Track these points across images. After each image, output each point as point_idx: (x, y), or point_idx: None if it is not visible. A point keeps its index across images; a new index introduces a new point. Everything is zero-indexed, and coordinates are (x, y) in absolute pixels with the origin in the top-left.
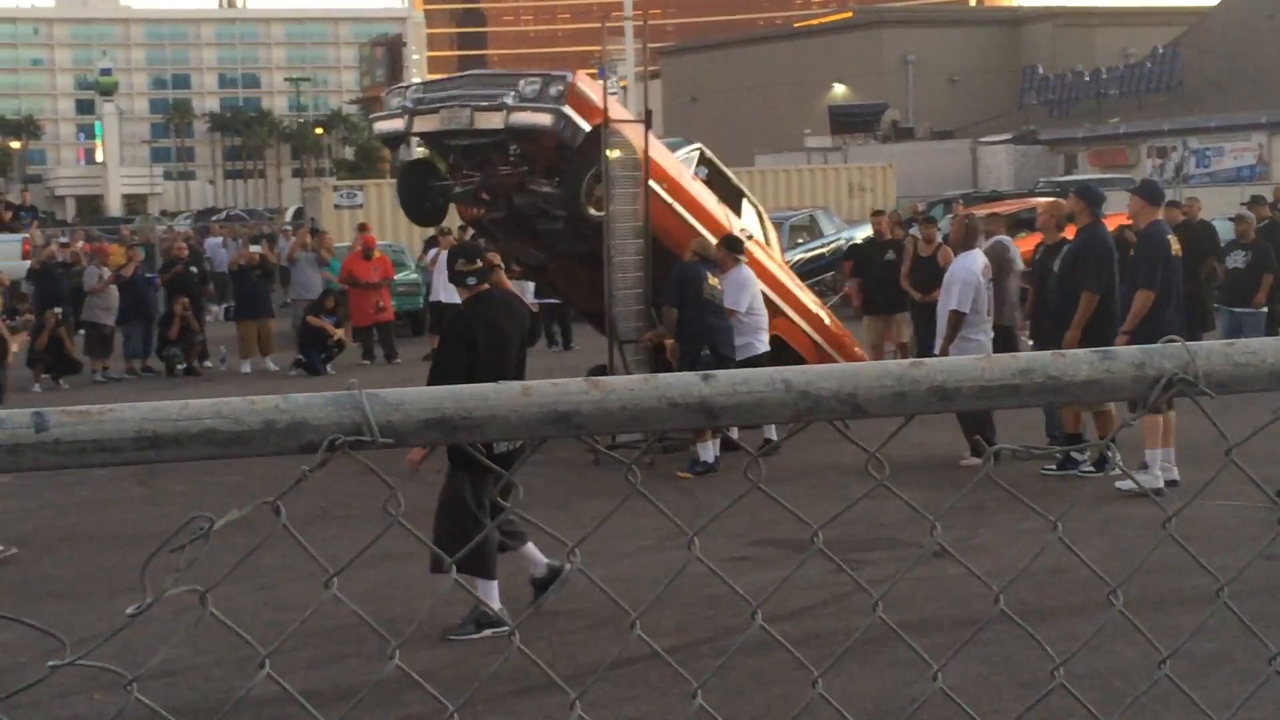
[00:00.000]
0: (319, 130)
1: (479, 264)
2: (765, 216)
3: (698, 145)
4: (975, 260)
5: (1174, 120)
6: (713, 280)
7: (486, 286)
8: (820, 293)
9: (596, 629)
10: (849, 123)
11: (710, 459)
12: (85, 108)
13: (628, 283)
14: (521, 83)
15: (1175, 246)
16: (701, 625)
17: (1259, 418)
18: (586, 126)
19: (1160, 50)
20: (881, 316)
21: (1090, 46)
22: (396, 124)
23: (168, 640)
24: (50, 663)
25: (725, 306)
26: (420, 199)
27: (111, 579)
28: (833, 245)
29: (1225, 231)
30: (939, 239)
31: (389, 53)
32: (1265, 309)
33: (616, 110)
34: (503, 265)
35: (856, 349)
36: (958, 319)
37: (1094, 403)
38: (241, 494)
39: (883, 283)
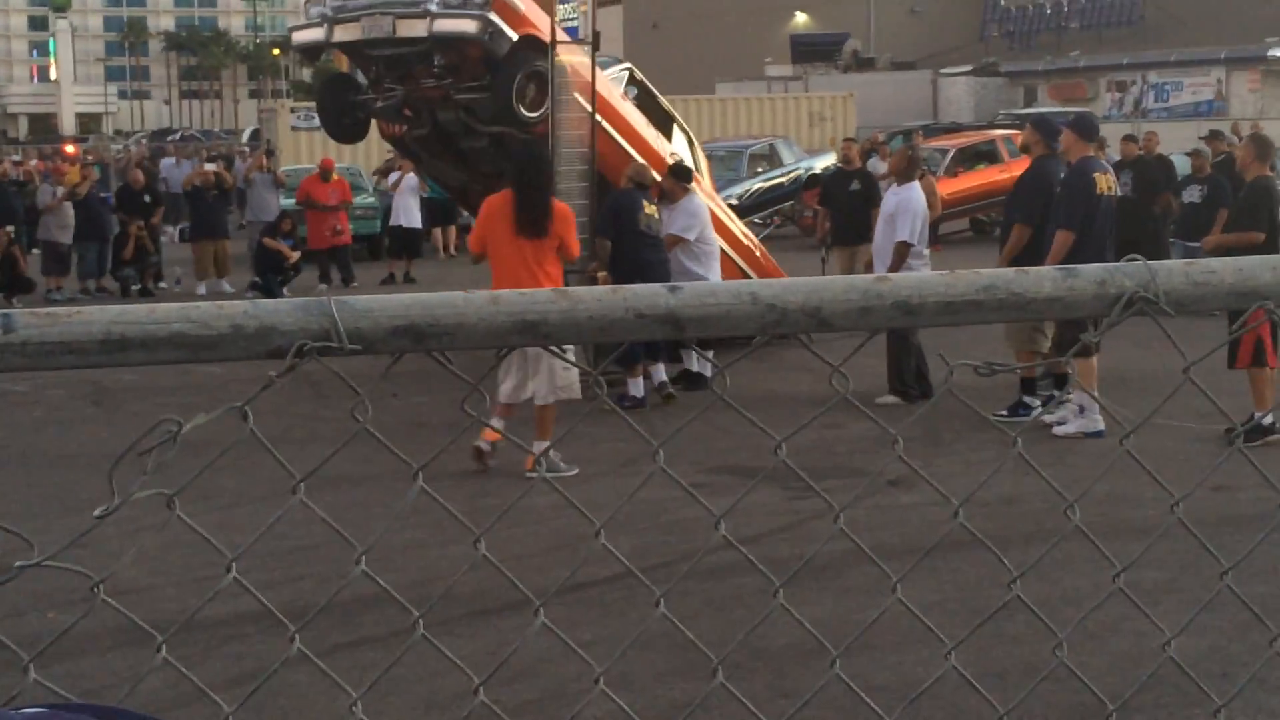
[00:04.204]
0: (276, 51)
1: None
2: (697, 144)
3: (627, 65)
4: (919, 191)
5: (1134, 54)
6: (649, 209)
7: None
8: (779, 223)
9: (551, 553)
10: (810, 52)
11: (639, 394)
12: (38, 24)
13: (574, 210)
14: None
15: (1103, 184)
16: (657, 550)
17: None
18: (513, 35)
19: None
20: (849, 247)
21: None
22: (316, 34)
23: (127, 553)
24: (18, 563)
25: (675, 235)
26: (341, 114)
27: (66, 498)
28: (792, 174)
29: (1182, 166)
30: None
31: None
32: None
33: (544, 20)
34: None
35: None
36: (906, 249)
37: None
38: (198, 414)
39: (849, 212)
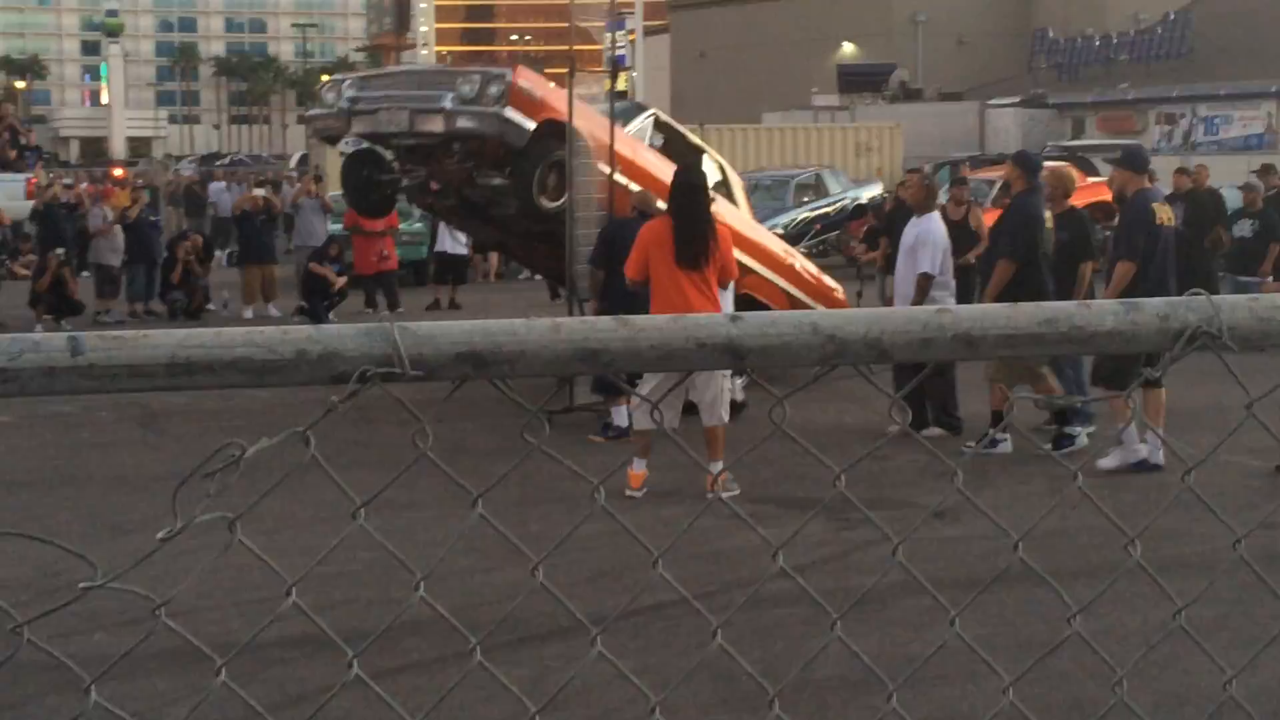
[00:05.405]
0: (325, 77)
1: None
2: (729, 171)
3: (652, 112)
4: (938, 222)
5: (1183, 87)
6: None
7: None
8: (825, 251)
9: (594, 581)
10: (857, 82)
11: (624, 423)
12: (91, 49)
13: (590, 239)
14: (460, 82)
15: (1163, 215)
16: (703, 580)
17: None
18: (530, 126)
19: (1172, 16)
20: None
21: (1101, 10)
22: (333, 124)
23: (185, 575)
24: (81, 584)
25: None
26: (367, 191)
27: (115, 520)
28: (839, 205)
29: (1233, 200)
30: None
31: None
32: (1271, 278)
33: (568, 100)
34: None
35: (837, 297)
36: (928, 282)
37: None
38: (245, 439)
39: None
